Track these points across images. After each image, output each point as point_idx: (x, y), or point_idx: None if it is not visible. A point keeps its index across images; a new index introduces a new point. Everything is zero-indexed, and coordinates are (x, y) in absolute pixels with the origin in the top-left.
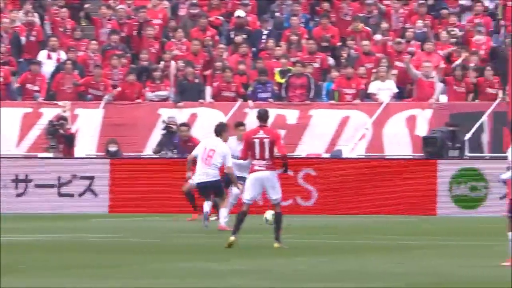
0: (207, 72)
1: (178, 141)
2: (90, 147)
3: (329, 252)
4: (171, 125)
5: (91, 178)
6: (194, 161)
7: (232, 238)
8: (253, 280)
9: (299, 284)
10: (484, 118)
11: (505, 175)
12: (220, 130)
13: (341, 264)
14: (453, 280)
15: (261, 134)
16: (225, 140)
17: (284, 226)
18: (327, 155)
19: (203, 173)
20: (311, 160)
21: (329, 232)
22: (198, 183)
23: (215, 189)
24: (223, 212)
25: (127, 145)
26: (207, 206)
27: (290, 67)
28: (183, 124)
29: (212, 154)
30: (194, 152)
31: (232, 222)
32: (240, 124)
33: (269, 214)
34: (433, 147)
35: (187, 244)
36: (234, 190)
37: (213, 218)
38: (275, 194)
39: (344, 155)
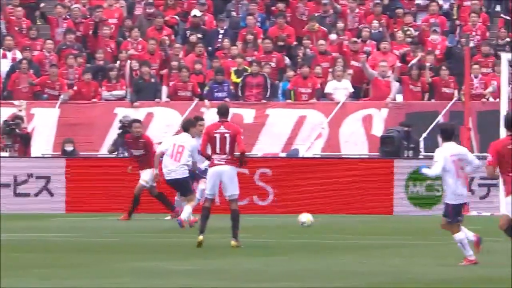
0: (164, 72)
1: (129, 137)
2: (46, 147)
3: (286, 252)
4: (127, 125)
5: (47, 177)
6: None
7: (201, 237)
8: (208, 280)
9: (255, 284)
10: (440, 117)
11: (426, 170)
12: (188, 126)
13: (299, 263)
14: (412, 279)
15: (222, 129)
16: (193, 136)
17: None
18: (283, 155)
19: (172, 170)
20: (268, 159)
21: (286, 232)
22: (167, 180)
23: (182, 187)
24: (187, 208)
25: (83, 145)
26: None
27: (246, 67)
28: (136, 121)
29: (182, 151)
30: (161, 148)
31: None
32: (200, 119)
33: (304, 217)
34: (391, 146)
35: (145, 244)
36: (200, 186)
37: (167, 217)
38: (232, 189)
39: (301, 154)
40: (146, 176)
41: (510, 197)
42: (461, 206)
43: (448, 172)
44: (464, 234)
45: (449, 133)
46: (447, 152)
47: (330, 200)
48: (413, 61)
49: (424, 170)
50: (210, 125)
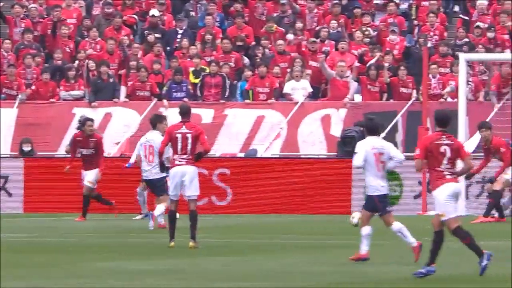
0: (122, 72)
1: (79, 135)
2: (4, 147)
3: (245, 252)
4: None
5: (5, 177)
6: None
7: (172, 243)
8: (167, 280)
9: (214, 284)
10: (398, 117)
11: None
12: (155, 122)
13: (257, 263)
14: (371, 279)
15: (183, 129)
16: (162, 132)
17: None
18: (242, 155)
19: (146, 170)
20: (226, 159)
21: (244, 232)
22: (144, 180)
23: (155, 187)
24: (160, 207)
25: (41, 145)
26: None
27: (204, 67)
28: (89, 119)
29: (152, 150)
30: (136, 151)
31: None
32: (163, 118)
33: (356, 218)
34: (352, 146)
35: (104, 244)
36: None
37: (137, 217)
38: (192, 190)
39: (259, 154)
40: (90, 177)
41: (438, 190)
42: (385, 196)
43: (369, 165)
44: (399, 227)
45: (373, 128)
46: (368, 145)
47: (289, 200)
48: (371, 61)
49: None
50: (172, 125)
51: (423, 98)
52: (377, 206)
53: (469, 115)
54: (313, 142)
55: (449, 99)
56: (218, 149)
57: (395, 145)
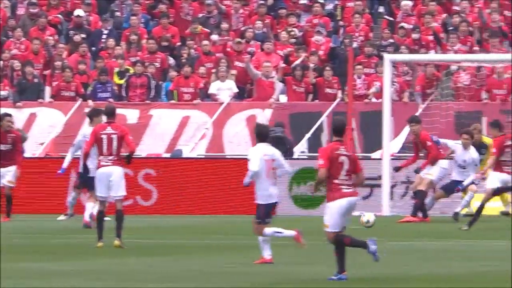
0: (47, 72)
1: None
2: None
3: (170, 252)
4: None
5: None
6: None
7: (100, 243)
8: (92, 280)
9: (139, 284)
10: (324, 118)
11: (247, 180)
12: (92, 116)
13: (183, 264)
14: (293, 279)
15: (109, 130)
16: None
17: None
18: (167, 155)
19: (91, 169)
20: (151, 160)
21: (169, 232)
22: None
23: (88, 183)
24: (88, 205)
25: None
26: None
27: (128, 67)
28: (8, 115)
29: None
30: (70, 154)
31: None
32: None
33: (371, 217)
34: (282, 147)
35: (29, 245)
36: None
37: (61, 217)
38: (118, 190)
39: (185, 155)
40: (9, 176)
41: (332, 203)
42: (272, 206)
43: (261, 172)
44: (272, 231)
45: (263, 135)
46: (260, 151)
47: (214, 200)
48: (297, 62)
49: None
50: (97, 126)
51: (348, 98)
52: (261, 214)
53: (394, 116)
54: (238, 143)
55: (374, 100)
56: (143, 150)
57: (320, 145)
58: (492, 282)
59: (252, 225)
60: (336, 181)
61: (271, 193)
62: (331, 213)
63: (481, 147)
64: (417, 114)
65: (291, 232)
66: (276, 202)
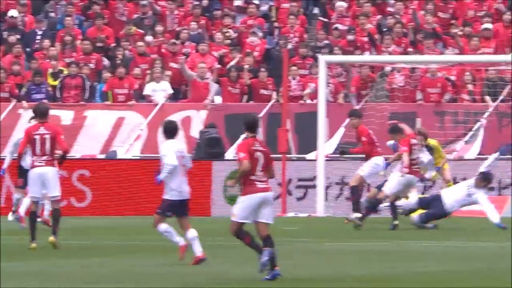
0: None
1: None
2: None
3: (104, 253)
4: None
5: None
6: None
7: (33, 244)
8: (27, 281)
9: (71, 285)
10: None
11: (163, 175)
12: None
13: (116, 264)
14: (226, 280)
15: (42, 130)
16: None
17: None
18: (102, 156)
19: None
20: (86, 161)
21: (104, 233)
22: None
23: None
24: (26, 201)
25: None
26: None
27: (62, 68)
28: None
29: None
30: (10, 155)
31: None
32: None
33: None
34: (217, 148)
35: None
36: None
37: (10, 218)
38: (54, 191)
39: (119, 156)
40: None
41: (245, 197)
42: (184, 202)
43: (176, 167)
44: (164, 229)
45: (172, 131)
46: (173, 147)
47: (149, 201)
48: (232, 63)
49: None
50: (30, 126)
51: (283, 100)
52: (165, 207)
53: (328, 117)
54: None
55: (308, 101)
56: (78, 151)
57: None
58: (429, 283)
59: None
60: (252, 177)
61: (183, 189)
62: (242, 205)
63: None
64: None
65: (180, 240)
66: (188, 199)
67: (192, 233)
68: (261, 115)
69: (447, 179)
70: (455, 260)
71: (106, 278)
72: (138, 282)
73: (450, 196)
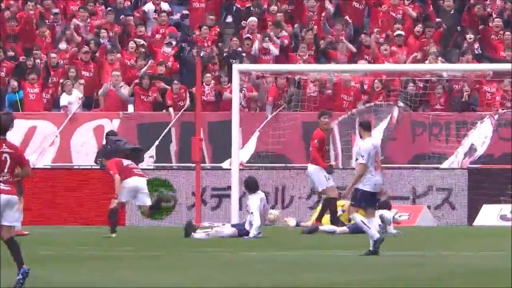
0: None
1: None
2: None
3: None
4: None
5: None
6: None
7: None
8: None
9: None
10: (171, 128)
11: None
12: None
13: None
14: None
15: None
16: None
17: None
18: None
19: None
20: None
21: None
22: None
23: None
24: None
25: None
26: None
27: None
28: None
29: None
30: None
31: None
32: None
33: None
34: (139, 158)
35: None
36: None
37: None
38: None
39: (31, 165)
40: None
41: None
42: None
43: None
44: None
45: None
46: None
47: (61, 211)
48: (143, 70)
49: None
50: None
51: (197, 109)
52: None
53: (241, 125)
54: (86, 153)
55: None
56: None
57: (169, 156)
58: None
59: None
60: None
61: None
62: None
63: None
64: (264, 123)
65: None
66: None
67: None
68: (171, 123)
69: None
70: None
71: None
72: None
73: None
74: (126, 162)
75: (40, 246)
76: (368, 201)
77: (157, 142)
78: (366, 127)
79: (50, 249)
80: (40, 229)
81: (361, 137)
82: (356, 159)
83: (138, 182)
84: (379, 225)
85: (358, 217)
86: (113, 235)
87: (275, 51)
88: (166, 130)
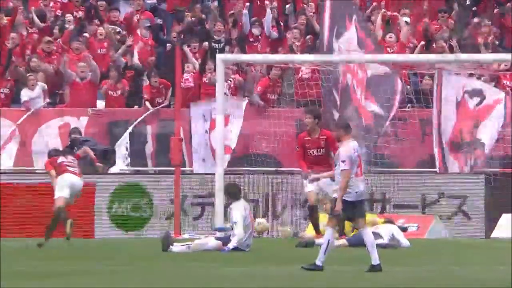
0: None
1: None
2: None
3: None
4: None
5: None
6: None
7: None
8: None
9: None
10: (147, 126)
11: None
12: None
13: None
14: None
15: None
16: None
17: None
18: None
19: None
20: None
21: None
22: None
23: None
24: None
25: None
26: None
27: None
28: None
29: None
30: None
31: None
32: None
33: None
34: (110, 162)
35: None
36: None
37: None
38: None
39: None
40: None
41: None
42: None
43: None
44: None
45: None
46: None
47: (21, 222)
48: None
49: None
50: None
51: (176, 104)
52: None
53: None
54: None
55: None
56: None
57: (144, 157)
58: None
59: None
60: None
61: None
62: None
63: None
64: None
65: None
66: None
67: None
68: (139, 120)
69: None
70: None
71: None
72: None
73: None
74: (61, 159)
75: (28, 261)
76: (350, 211)
77: (126, 140)
78: (346, 129)
79: (36, 265)
80: None
81: (339, 140)
82: (336, 165)
83: (73, 179)
84: (389, 237)
85: (329, 232)
86: (44, 241)
87: (274, 34)
88: (134, 124)
